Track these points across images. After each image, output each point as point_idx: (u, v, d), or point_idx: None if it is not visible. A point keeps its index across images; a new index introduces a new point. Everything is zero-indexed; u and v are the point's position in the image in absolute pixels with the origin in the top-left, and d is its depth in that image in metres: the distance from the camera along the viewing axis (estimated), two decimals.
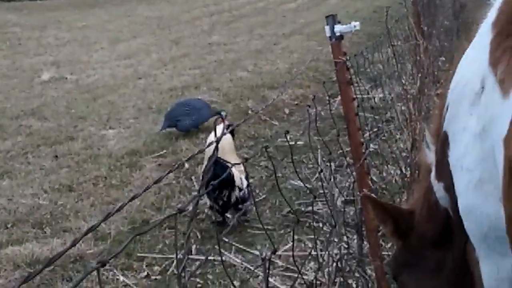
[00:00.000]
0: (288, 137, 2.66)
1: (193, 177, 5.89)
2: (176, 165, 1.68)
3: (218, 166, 4.39)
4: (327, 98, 4.74)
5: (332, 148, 5.86)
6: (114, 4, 27.12)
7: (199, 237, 4.82)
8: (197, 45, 13.91)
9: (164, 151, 6.63)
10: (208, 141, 4.94)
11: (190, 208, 1.59)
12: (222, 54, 12.60)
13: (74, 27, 18.11)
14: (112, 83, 10.38)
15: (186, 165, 6.13)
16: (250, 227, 4.91)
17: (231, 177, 4.71)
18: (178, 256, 4.44)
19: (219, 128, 4.84)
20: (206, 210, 5.16)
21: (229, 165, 4.60)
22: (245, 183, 4.88)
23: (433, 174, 2.15)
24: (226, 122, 5.19)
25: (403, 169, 4.73)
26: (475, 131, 1.66)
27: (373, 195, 3.39)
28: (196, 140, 6.94)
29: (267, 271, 1.59)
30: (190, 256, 4.50)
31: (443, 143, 1.96)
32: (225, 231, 4.83)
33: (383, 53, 5.75)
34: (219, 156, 4.62)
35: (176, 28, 17.07)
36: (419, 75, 5.56)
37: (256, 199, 5.35)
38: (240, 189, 4.86)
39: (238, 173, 4.80)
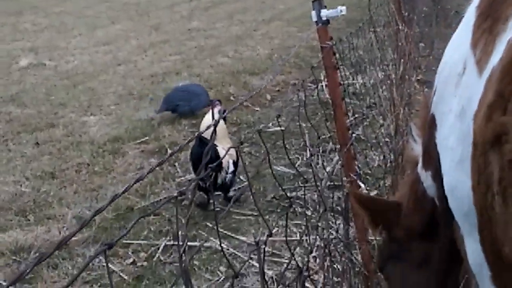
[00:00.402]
0: (268, 124, 2.66)
1: (176, 164, 5.88)
2: (171, 152, 1.67)
3: (203, 146, 4.57)
4: (312, 84, 4.76)
5: (314, 134, 5.92)
6: None
7: (184, 222, 4.81)
8: (176, 31, 13.82)
9: (147, 137, 6.60)
10: (203, 125, 5.02)
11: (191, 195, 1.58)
12: (202, 40, 12.54)
13: (51, 13, 17.89)
14: (91, 69, 10.29)
15: (169, 151, 6.12)
16: (235, 213, 4.92)
17: (217, 158, 4.71)
18: (167, 243, 4.46)
19: (215, 111, 4.90)
20: (189, 196, 5.16)
21: (219, 148, 4.67)
22: (232, 167, 4.91)
23: (420, 164, 2.18)
24: (219, 107, 5.21)
25: (387, 154, 4.77)
26: (456, 111, 1.71)
27: (361, 186, 3.43)
28: (179, 126, 6.92)
29: (263, 255, 1.60)
30: (176, 243, 4.50)
31: (430, 125, 2.01)
32: (222, 214, 4.83)
33: (364, 39, 5.78)
34: (219, 140, 4.73)
35: (155, 14, 16.94)
36: (402, 60, 5.58)
37: (240, 185, 5.36)
38: (227, 172, 4.90)
39: (227, 157, 4.76)
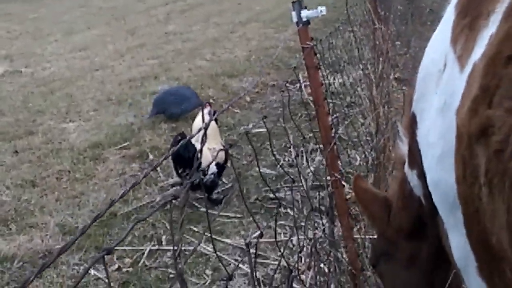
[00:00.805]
0: (249, 125, 2.66)
1: (158, 168, 5.85)
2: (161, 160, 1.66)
3: (187, 147, 4.74)
4: (291, 84, 4.76)
5: (295, 134, 5.94)
6: None
7: (168, 227, 4.79)
8: (153, 35, 13.78)
9: (127, 142, 6.56)
10: (194, 126, 5.09)
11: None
12: (179, 43, 12.51)
13: (25, 19, 17.74)
14: (68, 75, 10.21)
15: (151, 156, 6.10)
16: (219, 215, 4.91)
17: (194, 157, 4.70)
18: (152, 248, 4.44)
19: (205, 113, 4.95)
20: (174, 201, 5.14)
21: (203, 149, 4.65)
22: (213, 169, 4.93)
23: (406, 164, 2.20)
24: (209, 108, 5.22)
25: (368, 153, 4.80)
26: (437, 107, 1.72)
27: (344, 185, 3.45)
28: (159, 130, 6.89)
29: (254, 256, 1.60)
30: (161, 248, 4.49)
31: (411, 124, 2.02)
32: (214, 217, 4.83)
33: (341, 39, 5.81)
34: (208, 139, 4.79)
35: (131, 18, 16.86)
36: (381, 59, 5.61)
37: (223, 188, 5.36)
38: (205, 174, 4.86)
39: (209, 158, 4.71)
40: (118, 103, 8.14)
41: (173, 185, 5.41)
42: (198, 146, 4.65)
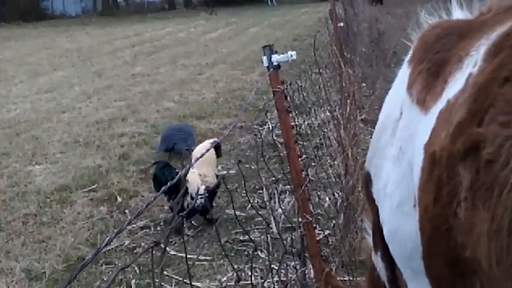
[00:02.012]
0: (218, 167, 2.68)
1: (126, 211, 5.80)
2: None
3: (168, 170, 5.16)
4: (259, 126, 4.81)
5: (265, 175, 5.97)
6: (31, 36, 26.60)
7: (138, 271, 4.73)
8: (120, 77, 13.79)
9: (95, 185, 6.50)
10: (194, 154, 5.19)
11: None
12: (147, 85, 12.54)
13: None
14: (34, 117, 10.11)
15: (119, 199, 6.05)
16: (189, 258, 4.86)
17: (180, 183, 4.78)
18: None
19: (206, 143, 5.32)
20: (142, 243, 5.10)
21: (191, 173, 4.93)
22: (201, 193, 5.04)
23: (372, 251, 2.27)
24: (215, 138, 5.46)
25: (337, 194, 4.84)
26: (393, 156, 1.87)
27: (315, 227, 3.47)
28: (127, 173, 6.85)
29: None
30: None
31: (366, 184, 2.14)
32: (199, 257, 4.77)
33: (309, 81, 5.90)
34: (199, 166, 5.00)
35: (97, 60, 16.87)
36: (348, 101, 5.71)
37: (193, 231, 5.33)
38: (192, 198, 5.04)
39: (197, 183, 5.02)
40: (85, 145, 8.08)
41: (142, 228, 5.36)
42: (191, 173, 4.90)
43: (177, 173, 4.76)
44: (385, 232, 1.96)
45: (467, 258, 1.49)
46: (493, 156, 1.39)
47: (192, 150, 5.40)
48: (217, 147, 5.33)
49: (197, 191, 5.06)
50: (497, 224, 1.35)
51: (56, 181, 6.72)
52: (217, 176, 5.09)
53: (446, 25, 1.94)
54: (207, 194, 5.11)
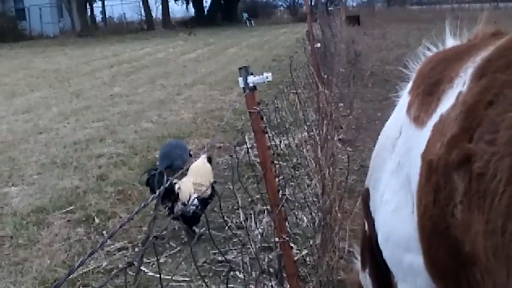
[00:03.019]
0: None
1: (104, 232, 5.77)
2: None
3: (160, 177, 5.38)
4: (237, 146, 4.82)
5: (242, 196, 5.98)
6: (8, 57, 26.47)
7: None
8: (98, 97, 13.76)
9: (73, 206, 6.45)
10: (192, 169, 5.47)
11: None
12: (125, 105, 12.52)
13: None
14: (11, 138, 10.04)
15: (97, 220, 6.02)
16: (166, 279, 4.85)
17: (172, 189, 5.24)
18: None
19: (201, 157, 5.57)
20: (120, 265, 5.07)
21: (183, 181, 5.23)
22: (195, 201, 5.21)
23: (360, 271, 2.52)
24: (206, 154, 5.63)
25: (314, 214, 4.87)
26: (391, 169, 2.10)
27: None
28: (105, 194, 6.81)
29: None
30: None
31: (365, 200, 2.38)
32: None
33: (286, 101, 5.95)
34: (195, 176, 5.30)
35: (75, 81, 16.82)
36: (325, 121, 5.76)
37: (171, 251, 5.31)
38: (185, 204, 5.21)
39: (189, 190, 5.20)
40: (62, 166, 8.03)
41: (120, 249, 5.33)
42: (184, 181, 5.22)
43: (168, 180, 4.93)
44: (379, 238, 2.18)
45: (467, 252, 1.66)
46: (483, 170, 1.57)
47: (188, 167, 5.54)
48: (209, 160, 5.60)
49: (189, 199, 5.21)
50: (491, 226, 1.53)
51: (32, 203, 6.67)
52: (213, 187, 5.23)
53: (439, 57, 2.22)
54: (198, 203, 5.25)
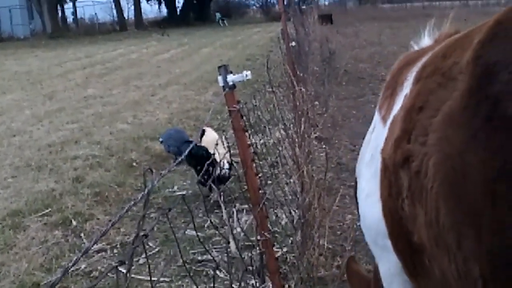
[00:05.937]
0: (174, 187, 2.69)
1: (82, 234, 5.72)
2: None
3: (200, 148, 6.14)
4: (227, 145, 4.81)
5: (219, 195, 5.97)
6: None
7: None
8: (72, 99, 13.63)
9: (49, 209, 6.38)
10: (206, 140, 6.52)
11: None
12: (99, 107, 12.43)
13: None
14: None
15: (74, 223, 5.96)
16: (146, 280, 4.83)
17: (209, 155, 5.51)
18: None
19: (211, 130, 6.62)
20: (99, 267, 5.03)
21: (211, 150, 5.31)
22: (226, 165, 6.12)
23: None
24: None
25: (294, 212, 4.88)
26: (367, 161, 2.33)
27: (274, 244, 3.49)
28: (82, 196, 6.75)
29: None
30: None
31: (354, 187, 2.58)
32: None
33: (263, 100, 5.96)
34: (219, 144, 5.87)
35: (48, 83, 16.65)
36: (302, 119, 5.78)
37: (150, 252, 5.28)
38: (222, 169, 6.03)
39: (221, 157, 5.49)
40: (37, 169, 7.94)
41: (98, 251, 5.30)
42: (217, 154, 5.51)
43: (206, 149, 6.10)
44: (361, 222, 2.41)
45: (416, 241, 1.86)
46: (418, 168, 1.75)
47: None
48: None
49: (222, 164, 6.04)
50: (429, 218, 1.71)
51: (8, 206, 6.58)
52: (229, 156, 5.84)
53: (406, 58, 2.37)
54: (228, 166, 6.14)
